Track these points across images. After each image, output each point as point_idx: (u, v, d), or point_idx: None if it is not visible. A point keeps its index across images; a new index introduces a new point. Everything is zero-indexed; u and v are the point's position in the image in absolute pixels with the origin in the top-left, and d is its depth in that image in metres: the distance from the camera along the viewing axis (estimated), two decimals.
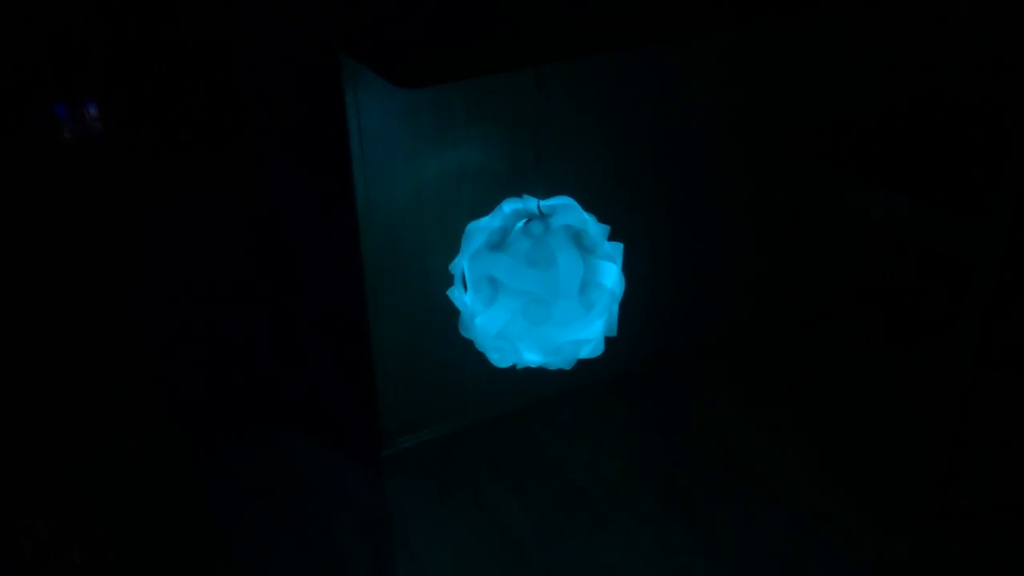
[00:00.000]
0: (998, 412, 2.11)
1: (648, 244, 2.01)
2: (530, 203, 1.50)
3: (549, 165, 1.65)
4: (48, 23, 3.57)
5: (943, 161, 1.81)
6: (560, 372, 1.74)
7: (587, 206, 1.56)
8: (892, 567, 1.77)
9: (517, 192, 1.68)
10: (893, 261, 2.38)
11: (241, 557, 1.81)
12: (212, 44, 3.45)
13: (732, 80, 2.00)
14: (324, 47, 1.62)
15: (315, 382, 2.29)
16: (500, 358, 1.52)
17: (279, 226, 2.56)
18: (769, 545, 1.82)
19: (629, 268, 1.59)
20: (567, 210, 1.49)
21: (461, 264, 1.53)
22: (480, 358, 1.80)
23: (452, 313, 1.85)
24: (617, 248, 1.53)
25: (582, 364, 1.60)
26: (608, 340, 1.58)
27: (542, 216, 1.48)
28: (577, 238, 1.46)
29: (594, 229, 1.50)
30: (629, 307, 1.64)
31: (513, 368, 1.60)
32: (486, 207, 1.73)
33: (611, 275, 1.50)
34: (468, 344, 1.76)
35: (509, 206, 1.50)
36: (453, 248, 1.79)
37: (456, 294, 1.54)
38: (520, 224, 1.48)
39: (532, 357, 1.51)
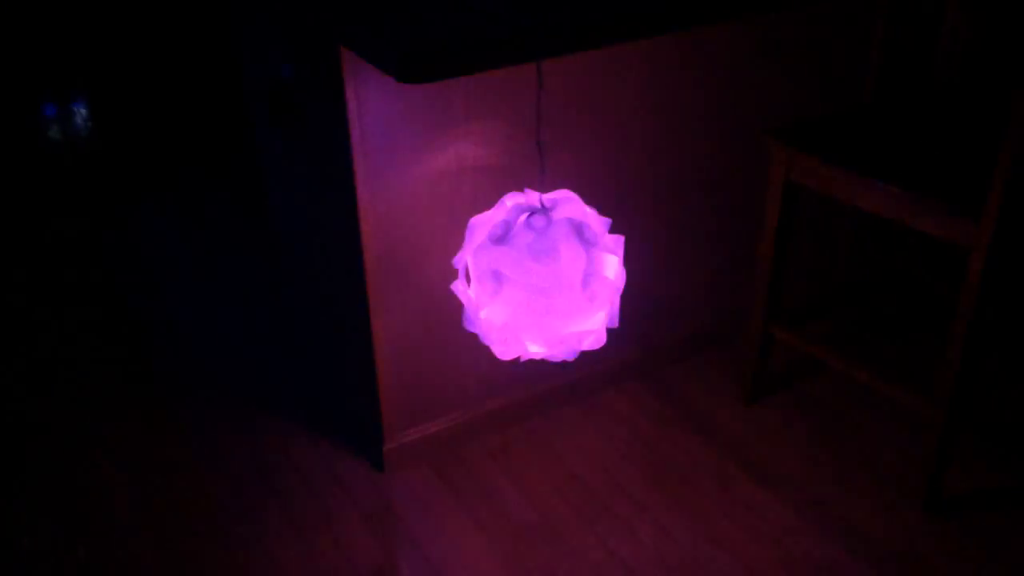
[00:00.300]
0: (992, 401, 2.15)
1: (647, 237, 2.03)
2: (532, 197, 1.53)
3: (550, 159, 1.67)
4: (40, 20, 3.57)
5: (936, 151, 1.84)
6: (560, 364, 1.76)
7: (587, 199, 1.59)
8: (889, 555, 1.80)
9: (517, 186, 1.70)
10: (888, 252, 2.41)
11: (243, 552, 1.82)
12: (209, 39, 3.46)
13: (731, 73, 2.02)
14: (325, 41, 1.63)
15: (316, 377, 2.31)
16: (504, 350, 1.54)
17: (278, 221, 2.57)
18: (767, 533, 1.84)
19: (628, 261, 1.61)
20: (569, 203, 1.51)
21: (464, 258, 1.55)
22: (481, 351, 1.83)
23: (453, 307, 1.87)
24: (618, 241, 1.56)
25: (582, 356, 1.63)
26: (608, 332, 1.60)
27: (544, 210, 1.50)
28: (579, 231, 1.49)
29: (595, 222, 1.52)
30: (628, 299, 1.66)
31: (515, 360, 1.63)
32: (487, 201, 1.75)
33: (612, 267, 1.52)
34: (469, 337, 1.78)
35: (511, 200, 1.52)
36: (454, 242, 1.82)
37: (460, 288, 1.56)
38: (522, 218, 1.50)
39: (536, 349, 1.53)
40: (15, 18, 3.69)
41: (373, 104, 1.63)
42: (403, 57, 1.27)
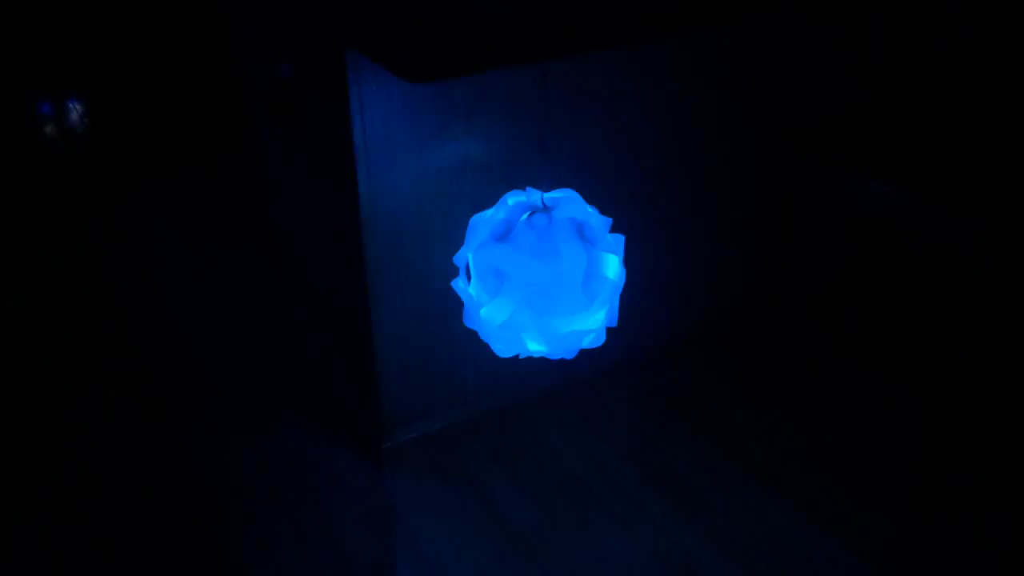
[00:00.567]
0: (990, 400, 2.16)
1: (647, 236, 2.04)
2: (533, 196, 1.53)
3: (551, 158, 1.68)
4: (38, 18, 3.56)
5: (937, 153, 1.85)
6: (559, 364, 1.76)
7: (588, 199, 1.59)
8: (886, 553, 1.80)
9: (518, 185, 1.71)
10: (887, 253, 2.42)
11: (244, 551, 1.82)
12: (208, 37, 3.46)
13: (731, 73, 2.03)
14: (329, 41, 1.64)
15: (316, 375, 2.31)
16: (504, 348, 1.55)
17: (280, 219, 2.58)
18: (765, 532, 1.85)
19: (628, 260, 1.62)
20: (570, 203, 1.52)
21: (465, 256, 1.55)
22: (481, 350, 1.83)
23: (453, 305, 1.87)
24: (618, 240, 1.56)
25: (581, 356, 1.63)
26: (608, 331, 1.60)
27: (545, 209, 1.51)
28: (580, 230, 1.49)
29: (596, 221, 1.53)
30: (628, 298, 1.67)
31: (514, 359, 1.63)
32: (487, 200, 1.75)
33: (613, 267, 1.53)
34: (469, 336, 1.78)
35: (513, 198, 1.52)
36: (455, 241, 1.82)
37: (461, 285, 1.56)
38: (524, 216, 1.50)
39: (535, 347, 1.53)
40: (11, 14, 3.69)
41: (375, 103, 1.64)
42: (412, 57, 1.28)
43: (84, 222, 3.02)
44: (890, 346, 2.37)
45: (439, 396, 2.00)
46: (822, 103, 2.18)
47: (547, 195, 1.53)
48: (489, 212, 1.55)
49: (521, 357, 1.58)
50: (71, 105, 3.79)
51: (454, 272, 1.68)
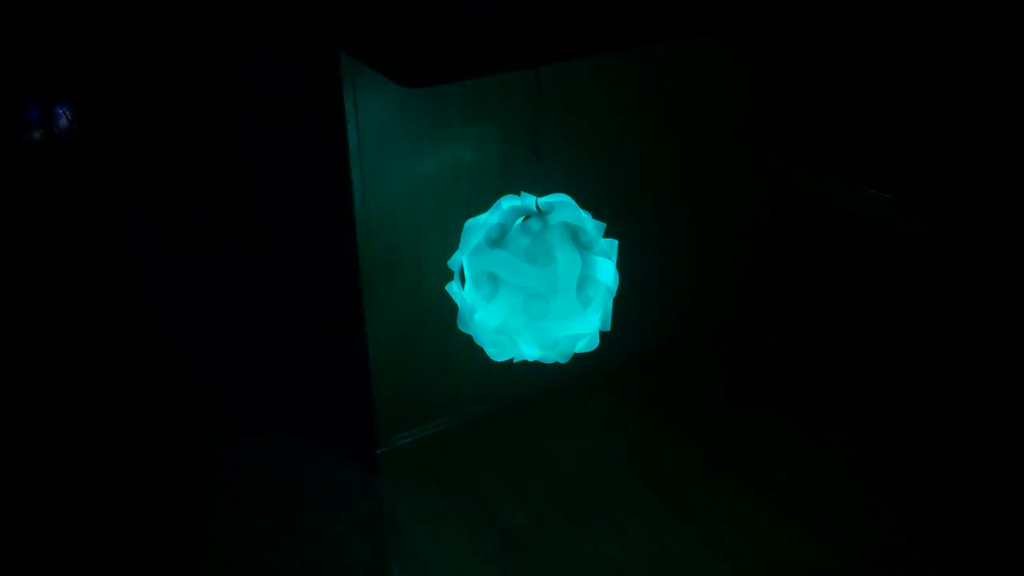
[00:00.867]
0: (980, 402, 2.17)
1: (640, 241, 2.04)
2: (528, 200, 1.54)
3: (545, 163, 1.69)
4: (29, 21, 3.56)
5: (926, 157, 1.86)
6: (552, 368, 1.77)
7: (582, 203, 1.60)
8: (879, 557, 1.81)
9: (512, 190, 1.71)
10: (878, 257, 2.44)
11: (237, 557, 1.82)
12: (200, 41, 3.45)
13: (724, 79, 2.04)
14: (322, 46, 1.64)
15: (310, 380, 2.31)
16: (498, 352, 1.55)
17: (269, 223, 2.58)
18: (757, 534, 1.85)
19: (622, 264, 1.62)
20: (564, 207, 1.52)
21: (460, 260, 1.56)
22: (474, 355, 1.83)
23: (447, 310, 1.88)
24: (612, 245, 1.57)
25: (574, 361, 1.63)
26: (601, 335, 1.61)
27: (540, 213, 1.51)
28: (574, 235, 1.50)
29: (591, 226, 1.53)
30: (621, 303, 1.67)
31: (507, 364, 1.63)
32: (481, 205, 1.76)
33: (607, 271, 1.53)
34: (463, 341, 1.79)
35: (507, 203, 1.53)
36: (448, 245, 1.82)
37: (455, 289, 1.57)
38: (518, 221, 1.51)
39: (530, 351, 1.54)
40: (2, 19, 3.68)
41: (369, 108, 1.64)
42: (407, 62, 1.28)
43: (72, 226, 3.01)
44: (880, 349, 2.38)
45: (433, 400, 2.00)
46: (812, 107, 2.20)
47: (541, 200, 1.54)
48: (483, 216, 1.56)
49: (516, 361, 1.58)
50: (60, 111, 3.78)
51: (448, 276, 1.68)
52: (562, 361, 1.56)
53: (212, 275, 2.76)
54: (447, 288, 1.57)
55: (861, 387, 1.92)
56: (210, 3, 3.13)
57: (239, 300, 2.63)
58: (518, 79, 1.68)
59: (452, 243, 1.81)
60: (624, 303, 1.74)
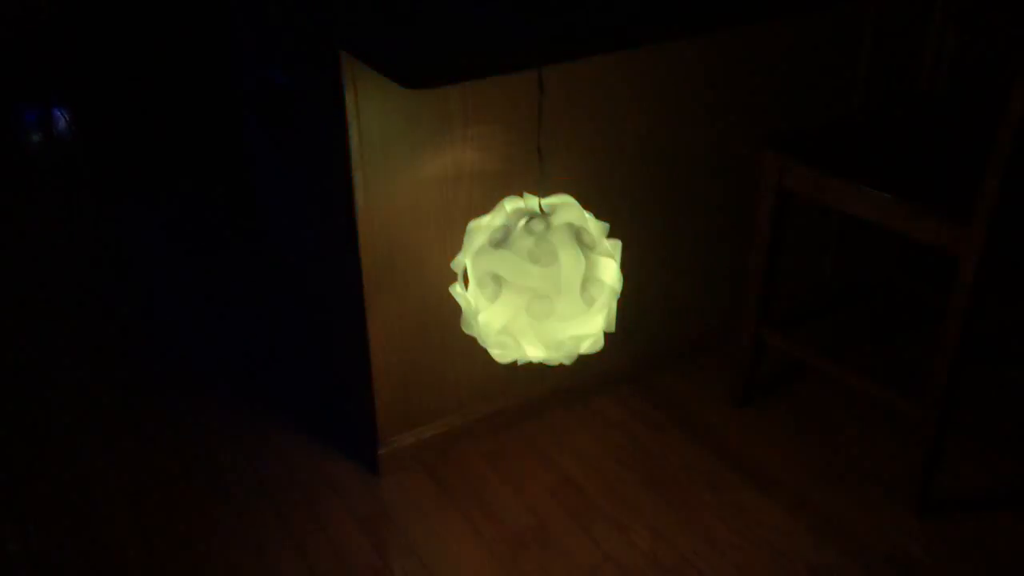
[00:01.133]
0: (982, 400, 2.18)
1: (642, 242, 2.05)
2: (531, 201, 1.54)
3: (548, 164, 1.69)
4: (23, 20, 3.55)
5: (926, 158, 1.87)
6: (553, 369, 1.77)
7: (584, 204, 1.60)
8: (881, 557, 1.82)
9: (515, 191, 1.72)
10: (877, 257, 2.45)
11: (238, 557, 1.82)
12: (199, 41, 3.45)
13: (726, 82, 2.04)
14: (324, 47, 1.64)
15: (311, 380, 2.31)
16: (503, 354, 1.56)
17: (268, 224, 2.57)
18: (760, 536, 1.86)
19: (625, 265, 1.63)
20: (567, 208, 1.53)
21: (463, 261, 1.56)
22: (476, 355, 1.83)
23: (449, 311, 1.88)
24: (616, 245, 1.58)
25: (576, 361, 1.64)
26: (605, 336, 1.61)
27: (543, 214, 1.52)
28: (578, 235, 1.50)
29: (594, 227, 1.54)
30: (623, 304, 1.68)
31: (508, 365, 1.64)
32: (484, 206, 1.77)
33: (611, 272, 1.54)
34: (464, 341, 1.79)
35: (511, 204, 1.53)
36: (450, 247, 1.83)
37: (459, 291, 1.57)
38: (522, 222, 1.51)
39: (534, 352, 1.54)
40: None
41: (371, 109, 1.64)
42: (409, 63, 1.28)
43: (71, 225, 3.00)
44: (880, 349, 2.39)
45: (435, 400, 2.00)
46: (813, 110, 2.20)
47: (545, 200, 1.54)
48: (487, 218, 1.56)
49: (520, 363, 1.58)
50: (59, 112, 3.78)
51: (451, 277, 1.68)
52: (566, 363, 1.57)
53: (212, 275, 2.75)
54: (451, 290, 1.58)
55: (861, 387, 1.93)
56: (210, 3, 3.12)
57: (240, 300, 2.63)
58: (520, 80, 1.69)
59: (454, 244, 1.81)
60: (626, 303, 1.74)
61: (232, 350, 2.43)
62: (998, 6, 1.99)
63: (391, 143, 1.69)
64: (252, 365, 2.37)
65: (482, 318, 1.51)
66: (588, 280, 1.49)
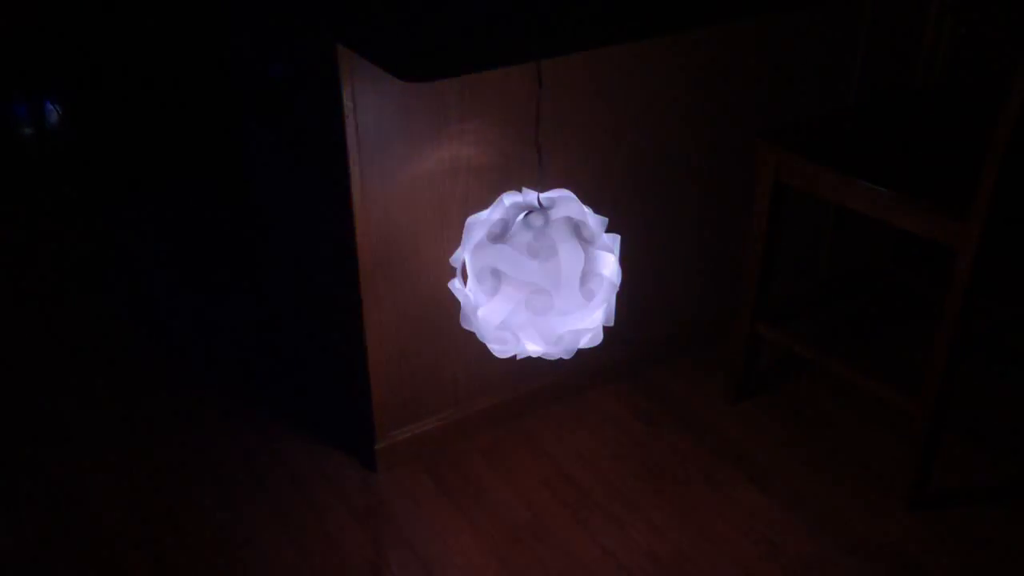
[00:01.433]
0: (979, 396, 2.19)
1: (639, 236, 2.05)
2: (529, 196, 1.54)
3: (546, 158, 1.69)
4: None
5: (923, 151, 1.87)
6: (550, 363, 1.77)
7: (583, 198, 1.60)
8: (876, 551, 1.82)
9: (512, 185, 1.71)
10: (873, 251, 2.45)
11: (234, 552, 1.81)
12: (194, 34, 3.43)
13: (723, 75, 2.04)
14: (320, 40, 1.63)
15: (307, 376, 2.30)
16: (502, 348, 1.55)
17: (264, 219, 2.56)
18: (756, 530, 1.86)
19: (623, 259, 1.63)
20: (566, 202, 1.53)
21: (462, 256, 1.56)
22: (473, 350, 1.83)
23: (446, 305, 1.87)
24: (614, 239, 1.57)
25: (578, 355, 1.64)
26: (604, 330, 1.61)
27: (542, 208, 1.51)
28: (577, 230, 1.50)
29: (593, 221, 1.54)
30: (620, 298, 1.68)
31: (506, 360, 1.63)
32: (482, 201, 1.76)
33: (610, 266, 1.54)
34: (461, 336, 1.79)
35: (509, 199, 1.53)
36: (447, 241, 1.82)
37: (457, 286, 1.57)
38: (521, 216, 1.51)
39: (533, 347, 1.54)
40: None
41: (368, 103, 1.63)
42: (408, 56, 1.27)
43: (66, 222, 2.99)
44: (876, 343, 2.40)
45: (432, 395, 2.00)
46: (809, 104, 2.20)
47: (543, 195, 1.54)
48: (485, 213, 1.55)
49: (519, 357, 1.58)
50: (50, 106, 3.75)
51: (448, 272, 1.68)
52: (566, 357, 1.57)
53: (208, 271, 2.74)
54: (449, 285, 1.57)
55: (857, 381, 1.93)
56: None
57: (236, 296, 2.62)
58: (518, 73, 1.68)
59: (451, 239, 1.81)
60: (624, 298, 1.74)
61: (228, 346, 2.42)
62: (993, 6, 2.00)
63: (388, 137, 1.68)
64: (249, 360, 2.36)
65: (481, 313, 1.51)
66: (587, 274, 1.49)
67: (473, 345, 1.68)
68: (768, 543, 1.83)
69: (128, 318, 2.54)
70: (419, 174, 1.75)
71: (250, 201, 2.73)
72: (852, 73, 2.22)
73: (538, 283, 1.45)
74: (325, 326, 2.18)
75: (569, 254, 1.46)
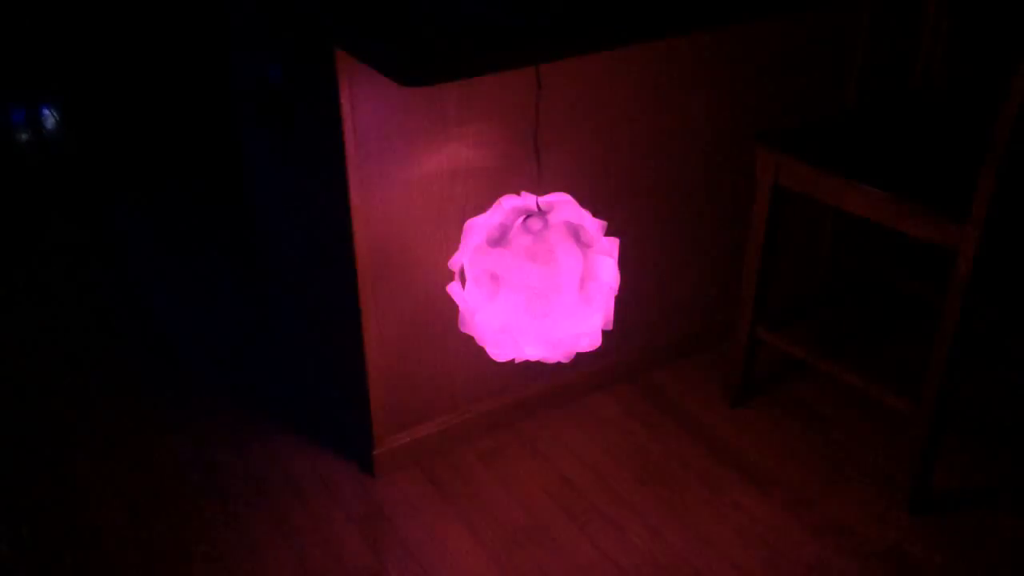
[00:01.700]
0: (979, 398, 2.18)
1: (638, 240, 2.05)
2: (528, 200, 1.53)
3: (545, 162, 1.68)
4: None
5: (922, 155, 1.87)
6: (549, 367, 1.77)
7: (581, 202, 1.60)
8: (877, 554, 1.82)
9: (510, 189, 1.71)
10: (872, 255, 2.45)
11: (232, 557, 1.81)
12: (191, 38, 3.43)
13: (721, 79, 2.04)
14: (319, 44, 1.63)
15: (305, 381, 2.29)
16: (500, 352, 1.55)
17: (262, 223, 2.56)
18: (756, 533, 1.86)
19: (621, 263, 1.62)
20: (565, 206, 1.52)
21: (460, 260, 1.56)
22: (471, 354, 1.83)
23: (444, 309, 1.87)
24: (613, 243, 1.57)
25: (576, 358, 1.63)
26: (602, 333, 1.61)
27: (541, 212, 1.51)
28: (575, 233, 1.50)
29: (591, 225, 1.53)
30: (618, 302, 1.67)
31: (505, 364, 1.63)
32: (480, 204, 1.76)
33: (608, 269, 1.53)
34: (459, 340, 1.79)
35: (508, 202, 1.53)
36: (447, 245, 1.82)
37: (456, 289, 1.56)
38: (519, 220, 1.51)
39: (531, 350, 1.54)
40: None
41: (366, 106, 1.63)
42: (408, 60, 1.27)
43: (62, 226, 2.98)
44: (875, 346, 2.40)
45: (432, 401, 1.99)
46: (808, 108, 2.20)
47: (542, 198, 1.53)
48: (484, 216, 1.55)
49: (517, 361, 1.58)
50: (47, 111, 3.75)
51: (446, 276, 1.68)
52: (564, 361, 1.56)
53: (206, 274, 2.74)
54: (448, 289, 1.57)
55: (857, 384, 1.93)
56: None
57: (234, 300, 2.62)
58: (517, 77, 1.68)
59: (450, 242, 1.80)
60: (621, 302, 1.74)
61: (227, 350, 2.41)
62: (994, 0, 2.00)
63: (387, 141, 1.68)
64: (247, 365, 2.36)
65: (480, 317, 1.51)
66: (585, 278, 1.49)
67: (473, 349, 1.67)
68: (768, 546, 1.83)
69: (125, 322, 2.53)
70: (418, 177, 1.75)
71: (248, 205, 2.73)
72: (851, 76, 2.22)
73: (537, 287, 1.45)
74: (323, 330, 2.17)
75: (568, 258, 1.46)
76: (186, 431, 2.13)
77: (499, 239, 1.48)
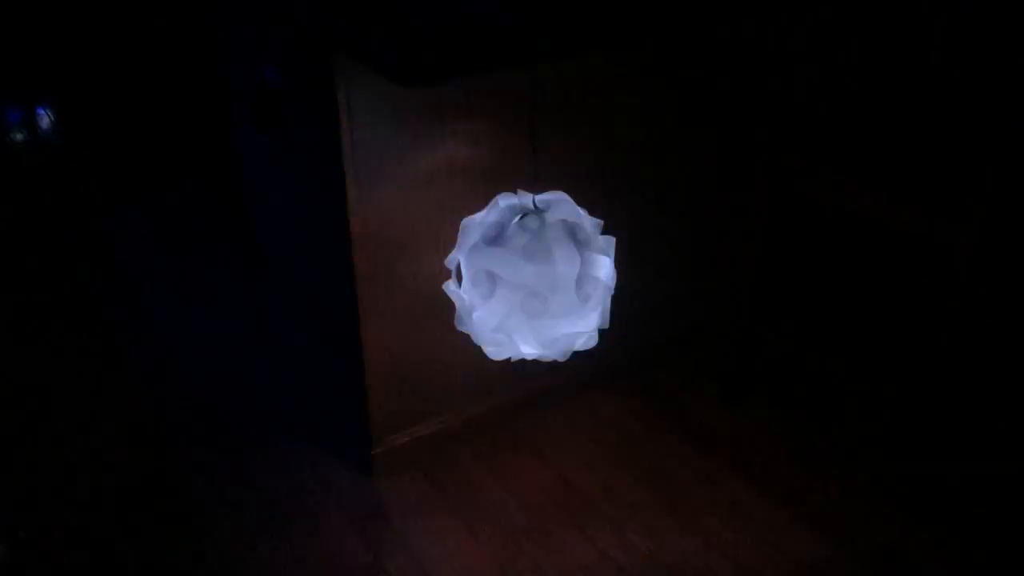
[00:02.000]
0: (976, 397, 2.18)
1: (635, 239, 2.04)
2: (525, 198, 1.53)
3: (542, 160, 1.68)
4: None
5: (923, 155, 1.87)
6: (547, 367, 1.76)
7: (578, 201, 1.59)
8: (876, 552, 1.82)
9: (507, 188, 1.70)
10: (872, 254, 2.44)
11: (233, 558, 1.80)
12: (188, 41, 3.42)
13: (720, 76, 2.04)
14: (316, 45, 1.63)
15: (305, 380, 2.29)
16: (497, 351, 1.54)
17: (259, 224, 2.56)
18: (755, 531, 1.86)
19: (618, 262, 1.62)
20: (562, 204, 1.52)
21: (457, 259, 1.55)
22: (469, 353, 1.82)
23: (441, 309, 1.86)
24: (609, 242, 1.56)
25: (571, 358, 1.63)
26: (599, 333, 1.60)
27: (537, 211, 1.50)
28: (572, 232, 1.49)
29: (588, 223, 1.53)
30: (616, 301, 1.67)
31: (502, 363, 1.62)
32: (477, 203, 1.75)
33: (605, 268, 1.53)
34: (458, 340, 1.78)
35: (504, 201, 1.52)
36: (444, 244, 1.81)
37: (452, 288, 1.56)
38: (516, 219, 1.50)
39: (528, 350, 1.53)
40: None
41: (363, 106, 1.63)
42: (406, 61, 1.27)
43: (59, 230, 2.98)
44: (875, 345, 2.39)
45: (430, 400, 1.99)
46: (808, 105, 2.20)
47: (539, 197, 1.53)
48: (480, 215, 1.55)
49: (514, 360, 1.57)
50: (42, 112, 3.74)
51: (444, 275, 1.67)
52: (561, 359, 1.56)
53: (203, 276, 2.74)
54: (444, 287, 1.56)
55: (855, 383, 1.93)
56: (198, 0, 3.10)
57: (231, 303, 2.62)
58: (513, 76, 1.67)
59: (447, 241, 1.79)
60: (621, 300, 1.73)
61: (224, 351, 2.41)
62: (993, 2, 1.99)
63: (383, 140, 1.68)
64: (245, 366, 2.35)
65: (476, 316, 1.50)
66: (583, 277, 1.48)
67: (470, 348, 1.67)
68: (768, 545, 1.83)
69: (122, 325, 2.53)
70: (414, 175, 1.75)
71: (246, 205, 2.73)
72: (850, 75, 2.21)
73: (533, 286, 1.44)
74: (321, 330, 2.17)
75: (564, 257, 1.45)
76: (184, 431, 2.13)
77: (495, 238, 1.48)
